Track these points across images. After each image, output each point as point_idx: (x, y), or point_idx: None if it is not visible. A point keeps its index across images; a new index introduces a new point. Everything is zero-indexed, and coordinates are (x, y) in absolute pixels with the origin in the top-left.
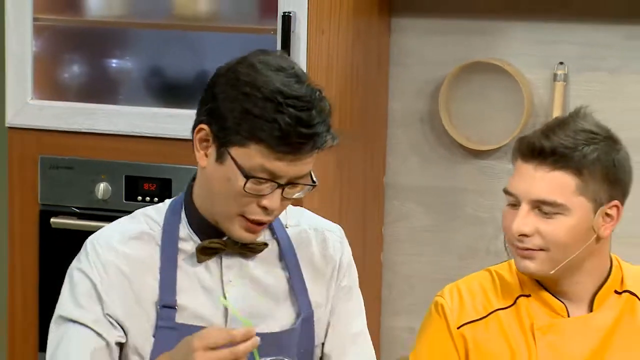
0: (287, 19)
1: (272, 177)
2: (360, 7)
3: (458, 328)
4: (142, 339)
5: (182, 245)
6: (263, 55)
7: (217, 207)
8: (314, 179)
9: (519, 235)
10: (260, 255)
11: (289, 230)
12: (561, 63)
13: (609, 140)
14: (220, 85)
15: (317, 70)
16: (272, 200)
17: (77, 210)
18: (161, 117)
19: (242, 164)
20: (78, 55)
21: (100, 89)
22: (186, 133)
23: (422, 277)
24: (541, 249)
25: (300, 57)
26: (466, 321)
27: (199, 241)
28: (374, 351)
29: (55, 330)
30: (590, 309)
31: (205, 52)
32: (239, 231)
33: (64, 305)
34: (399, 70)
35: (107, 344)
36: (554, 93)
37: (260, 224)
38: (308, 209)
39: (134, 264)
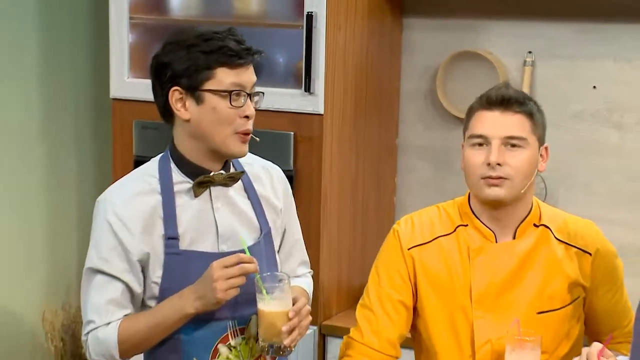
0: (309, 17)
1: (242, 88)
2: (374, 9)
3: (408, 249)
4: (155, 267)
5: (177, 187)
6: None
7: (216, 137)
8: (261, 91)
9: (496, 165)
10: (234, 186)
11: (246, 168)
12: (530, 52)
13: (533, 99)
14: (166, 57)
15: (335, 59)
16: (249, 107)
17: None
18: None
19: (218, 88)
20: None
21: None
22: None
23: None
24: (506, 178)
25: (320, 47)
26: (415, 244)
27: (191, 181)
28: (306, 251)
29: (85, 282)
30: (514, 237)
31: (256, 42)
32: (238, 147)
33: (91, 259)
34: (408, 58)
35: (131, 290)
36: (524, 75)
37: (247, 133)
38: (328, 165)
39: (144, 212)
